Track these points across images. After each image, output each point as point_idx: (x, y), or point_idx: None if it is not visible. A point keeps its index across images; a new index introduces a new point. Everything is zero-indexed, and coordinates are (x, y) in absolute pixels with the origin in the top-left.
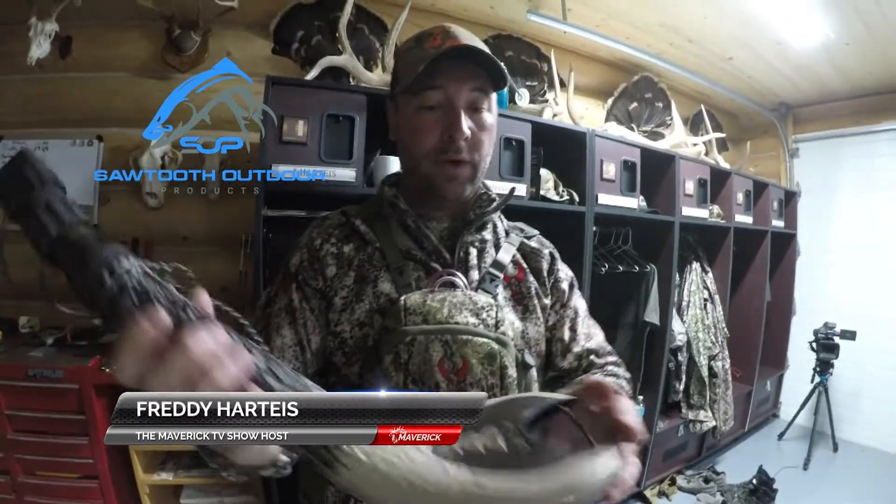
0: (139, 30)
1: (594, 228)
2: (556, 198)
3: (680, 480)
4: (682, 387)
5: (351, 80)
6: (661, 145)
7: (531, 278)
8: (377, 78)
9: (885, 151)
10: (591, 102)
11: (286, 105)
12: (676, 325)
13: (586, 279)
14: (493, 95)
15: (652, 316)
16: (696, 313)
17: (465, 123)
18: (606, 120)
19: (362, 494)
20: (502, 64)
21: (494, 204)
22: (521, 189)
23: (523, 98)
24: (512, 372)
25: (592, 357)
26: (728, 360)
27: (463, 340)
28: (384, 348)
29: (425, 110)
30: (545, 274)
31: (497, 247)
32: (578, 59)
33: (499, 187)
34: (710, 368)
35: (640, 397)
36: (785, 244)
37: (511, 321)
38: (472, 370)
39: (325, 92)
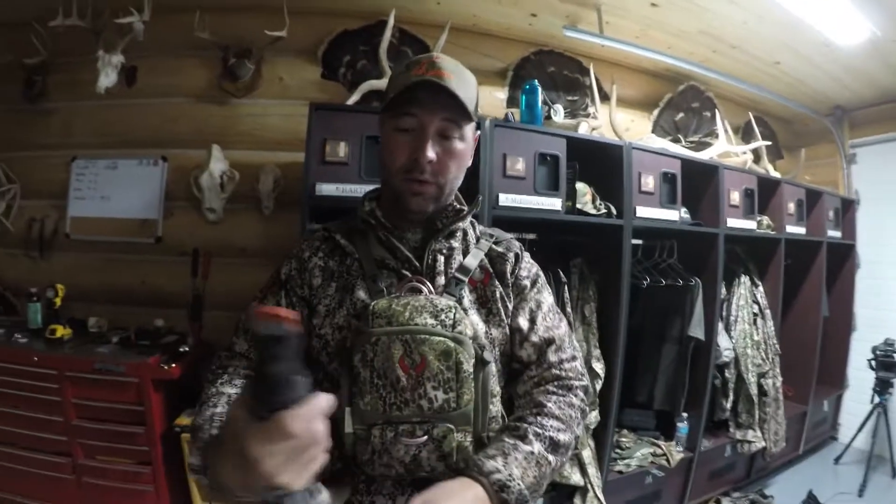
0: (197, 59)
1: (638, 242)
2: (594, 211)
3: (725, 502)
4: (729, 405)
5: None
6: (703, 155)
7: (496, 282)
8: None
9: None
10: (637, 114)
11: (328, 128)
12: (723, 341)
13: (625, 292)
14: (469, 125)
15: (696, 331)
16: (745, 328)
17: (431, 149)
18: (653, 131)
19: None
20: (467, 103)
21: (461, 214)
22: (557, 203)
23: (558, 114)
24: (468, 367)
25: (550, 352)
26: (780, 378)
27: (421, 339)
28: (355, 348)
29: (400, 132)
30: (509, 275)
31: (466, 253)
32: (621, 70)
33: (534, 202)
34: (760, 386)
35: (685, 414)
36: (843, 256)
37: (474, 322)
38: (430, 366)
39: (364, 115)
